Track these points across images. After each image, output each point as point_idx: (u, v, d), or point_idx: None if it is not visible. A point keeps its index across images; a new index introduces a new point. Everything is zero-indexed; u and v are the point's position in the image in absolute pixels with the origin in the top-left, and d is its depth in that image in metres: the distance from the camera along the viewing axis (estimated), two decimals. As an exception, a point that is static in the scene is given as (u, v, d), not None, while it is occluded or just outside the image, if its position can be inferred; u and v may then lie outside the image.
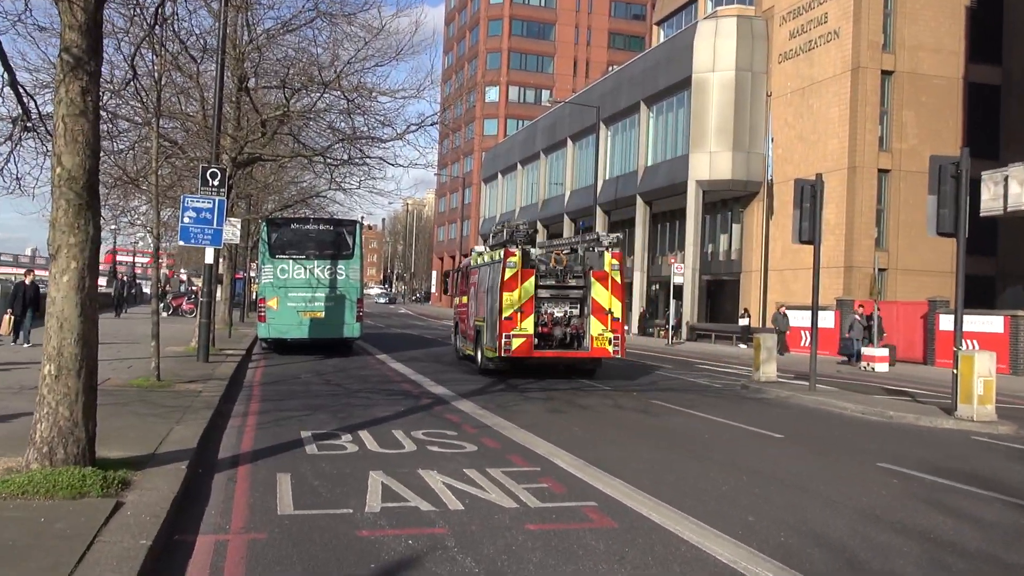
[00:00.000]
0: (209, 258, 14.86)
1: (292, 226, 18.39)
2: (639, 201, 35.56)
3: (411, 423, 9.75)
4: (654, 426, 10.40)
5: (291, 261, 18.08)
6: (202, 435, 8.04)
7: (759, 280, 30.42)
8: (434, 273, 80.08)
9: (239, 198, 23.01)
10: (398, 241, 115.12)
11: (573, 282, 16.47)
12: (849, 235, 26.72)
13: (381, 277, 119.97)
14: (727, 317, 32.61)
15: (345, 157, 17.74)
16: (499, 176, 55.40)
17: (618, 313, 16.11)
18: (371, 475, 7.19)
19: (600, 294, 16.16)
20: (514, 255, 16.09)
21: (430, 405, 11.29)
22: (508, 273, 16.05)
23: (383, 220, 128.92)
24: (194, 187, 16.00)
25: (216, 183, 13.46)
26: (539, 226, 44.37)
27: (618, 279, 16.14)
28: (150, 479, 6.31)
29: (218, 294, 23.00)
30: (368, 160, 17.69)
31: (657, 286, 37.16)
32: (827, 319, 25.10)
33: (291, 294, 17.92)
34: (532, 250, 16.89)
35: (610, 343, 16.05)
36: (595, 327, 16.06)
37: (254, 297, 33.65)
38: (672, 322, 29.59)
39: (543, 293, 16.31)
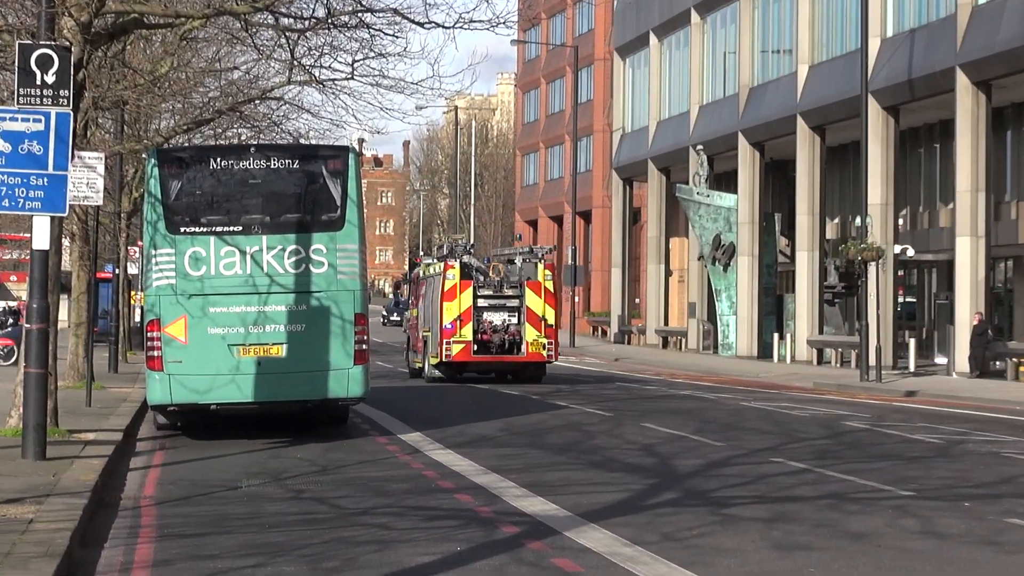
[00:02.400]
0: (41, 238, 12.11)
1: (213, 163, 15.75)
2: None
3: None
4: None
5: (213, 240, 15.32)
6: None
7: None
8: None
9: (102, 109, 19.48)
10: (439, 187, 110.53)
11: (510, 292, 25.02)
12: None
13: (406, 264, 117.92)
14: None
15: (320, 12, 15.35)
16: (652, 41, 46.03)
17: (552, 320, 24.93)
18: None
19: (534, 302, 24.80)
20: (453, 267, 24.82)
21: (519, 541, 8.88)
22: (447, 284, 24.61)
23: (405, 147, 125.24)
24: (6, 91, 15.32)
25: (51, 79, 11.51)
26: (740, 140, 38.34)
27: (551, 288, 24.90)
28: None
29: (64, 314, 20.71)
30: (369, 15, 15.12)
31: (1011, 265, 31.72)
32: None
33: (215, 311, 15.17)
34: (473, 261, 25.82)
35: (544, 348, 24.88)
36: (530, 333, 24.77)
37: (139, 319, 30.77)
38: None
39: (482, 303, 24.89)
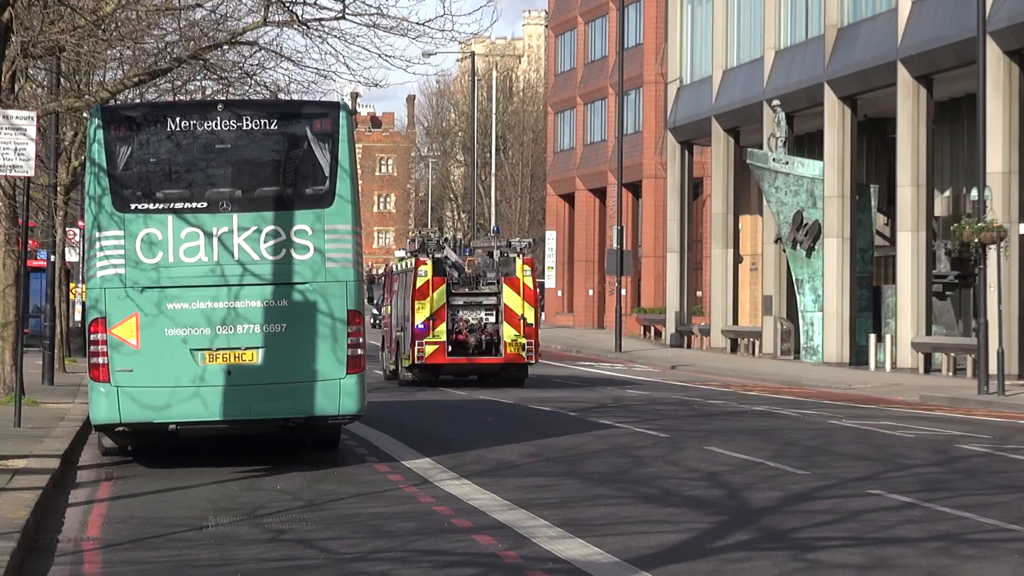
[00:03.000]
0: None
1: (171, 124, 16.05)
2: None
3: None
4: None
5: (171, 219, 15.71)
6: None
7: None
8: (548, 236, 73.69)
9: (33, 58, 19.77)
10: (452, 153, 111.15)
11: (486, 289, 28.65)
12: None
13: (412, 244, 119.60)
14: None
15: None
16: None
17: (531, 319, 28.39)
18: None
19: (512, 300, 28.30)
20: (425, 263, 27.98)
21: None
22: (420, 282, 27.85)
23: (410, 103, 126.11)
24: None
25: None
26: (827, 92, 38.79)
27: (531, 284, 28.59)
28: None
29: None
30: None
31: None
32: None
33: (174, 307, 15.55)
34: (450, 255, 29.34)
35: (523, 349, 28.27)
36: (508, 333, 28.17)
37: (80, 318, 31.58)
38: None
39: (456, 300, 28.43)
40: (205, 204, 15.49)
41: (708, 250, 48.84)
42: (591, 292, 68.49)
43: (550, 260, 72.18)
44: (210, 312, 15.31)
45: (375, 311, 45.86)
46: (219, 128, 15.80)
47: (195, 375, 15.26)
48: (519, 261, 28.88)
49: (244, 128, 15.84)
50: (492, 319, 28.76)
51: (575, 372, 37.14)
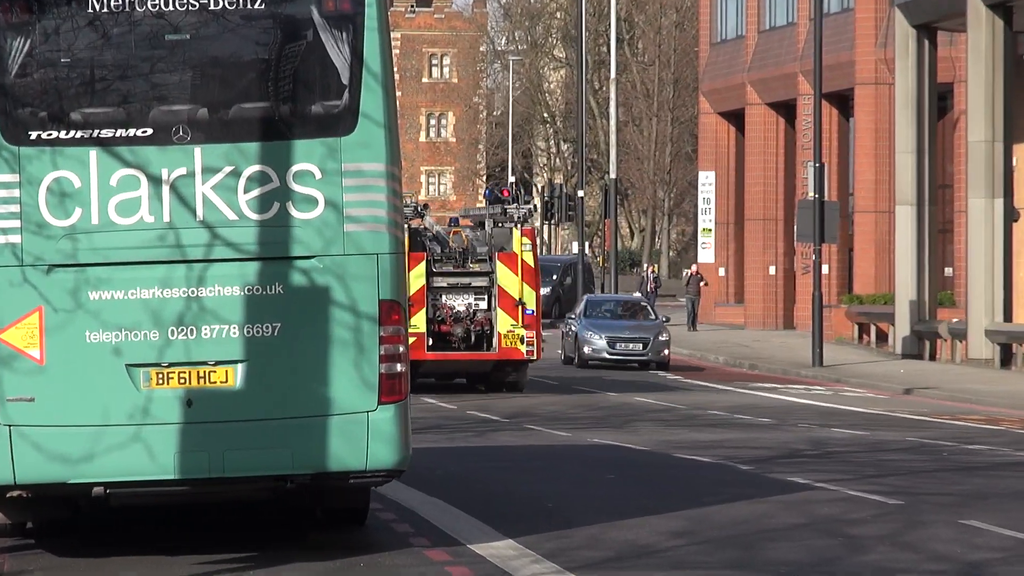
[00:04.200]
0: None
1: (93, 1, 16.17)
2: None
3: None
4: None
5: (95, 156, 15.88)
6: None
7: None
8: (703, 180, 75.43)
9: None
10: (546, 47, 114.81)
11: (476, 267, 33.33)
12: None
13: (480, 201, 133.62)
14: None
15: None
16: None
17: (531, 304, 32.76)
18: None
19: (509, 281, 32.63)
20: None
21: None
22: None
23: None
24: None
25: None
26: None
27: (531, 262, 33.02)
28: None
29: None
30: None
31: None
32: None
33: (100, 297, 15.69)
34: (432, 226, 34.61)
35: (522, 342, 32.81)
36: (503, 322, 32.68)
37: None
38: None
39: (439, 282, 33.12)
40: (150, 131, 15.57)
41: (962, 203, 48.35)
42: (772, 271, 68.57)
43: (706, 219, 72.77)
44: (158, 305, 15.35)
45: None
46: (171, 7, 15.84)
47: (134, 407, 15.26)
48: (517, 233, 33.04)
49: (212, 7, 15.89)
50: (483, 305, 33.25)
51: (748, 399, 37.43)
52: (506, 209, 34.27)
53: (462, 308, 32.87)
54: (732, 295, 72.01)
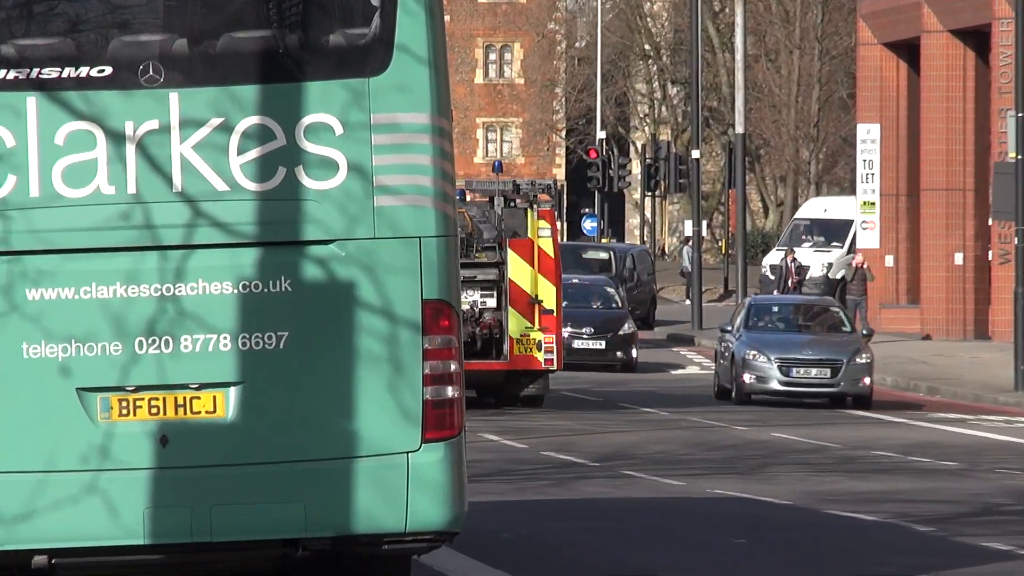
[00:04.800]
0: None
1: None
2: None
3: None
4: None
5: (36, 104, 16.27)
6: None
7: None
8: (862, 136, 76.91)
9: None
10: None
11: (484, 257, 34.82)
12: None
13: (557, 169, 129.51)
14: None
15: None
16: None
17: (550, 302, 34.50)
18: None
19: (522, 274, 34.40)
20: None
21: None
22: None
23: None
24: None
25: None
26: None
27: (550, 251, 34.54)
28: None
29: None
30: None
31: None
32: None
33: (42, 296, 16.08)
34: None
35: (539, 348, 34.66)
36: (515, 324, 34.72)
37: None
38: None
39: None
40: (108, 70, 15.70)
41: None
42: (959, 259, 68.33)
43: (867, 189, 72.44)
44: (121, 308, 15.53)
45: None
46: None
47: (89, 447, 15.36)
48: (532, 214, 34.40)
49: None
50: (491, 303, 34.60)
51: (925, 435, 37.62)
52: (518, 185, 35.63)
53: (465, 307, 33.21)
54: (903, 293, 71.88)
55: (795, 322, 49.20)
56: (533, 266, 33.33)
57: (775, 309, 51.34)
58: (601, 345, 51.68)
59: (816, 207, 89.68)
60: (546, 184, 36.45)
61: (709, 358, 54.39)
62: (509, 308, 33.67)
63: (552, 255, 33.81)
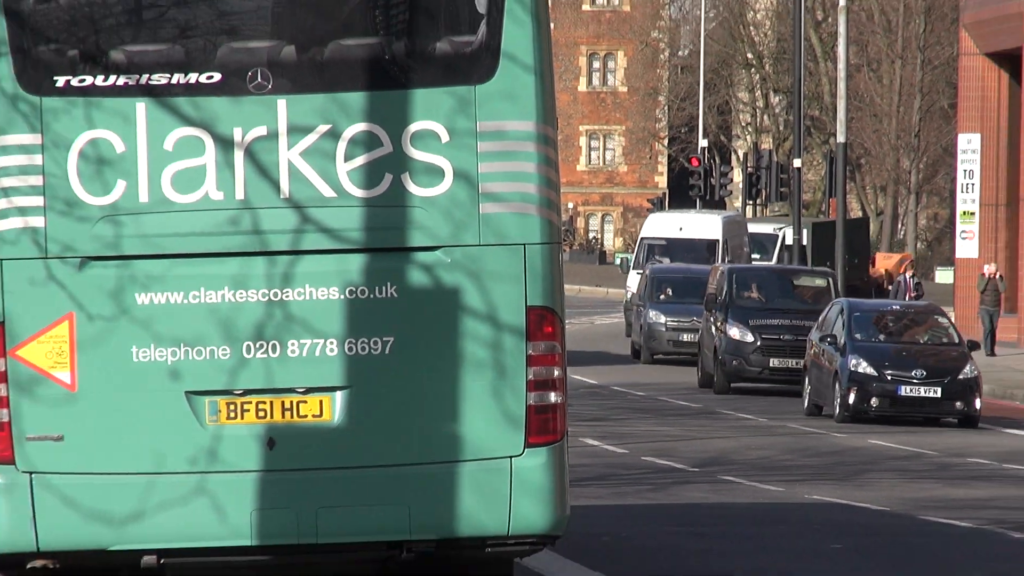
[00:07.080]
0: None
1: None
2: None
3: None
4: None
5: (144, 109, 16.24)
6: None
7: None
8: (964, 146, 76.21)
9: None
10: None
11: None
12: None
13: (659, 176, 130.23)
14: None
15: None
16: None
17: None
18: None
19: None
20: None
21: None
22: None
23: None
24: None
25: None
26: None
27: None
28: None
29: None
30: None
31: None
32: None
33: (150, 301, 16.06)
34: None
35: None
36: None
37: None
38: None
39: None
40: (217, 77, 15.80)
41: None
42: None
43: (968, 199, 72.27)
44: (230, 312, 15.63)
45: None
46: None
47: (198, 450, 15.50)
48: None
49: None
50: None
51: (1022, 444, 37.14)
52: None
53: None
54: (1002, 303, 71.81)
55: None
56: None
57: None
58: (932, 391, 41.13)
59: (666, 224, 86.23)
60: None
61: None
62: None
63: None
